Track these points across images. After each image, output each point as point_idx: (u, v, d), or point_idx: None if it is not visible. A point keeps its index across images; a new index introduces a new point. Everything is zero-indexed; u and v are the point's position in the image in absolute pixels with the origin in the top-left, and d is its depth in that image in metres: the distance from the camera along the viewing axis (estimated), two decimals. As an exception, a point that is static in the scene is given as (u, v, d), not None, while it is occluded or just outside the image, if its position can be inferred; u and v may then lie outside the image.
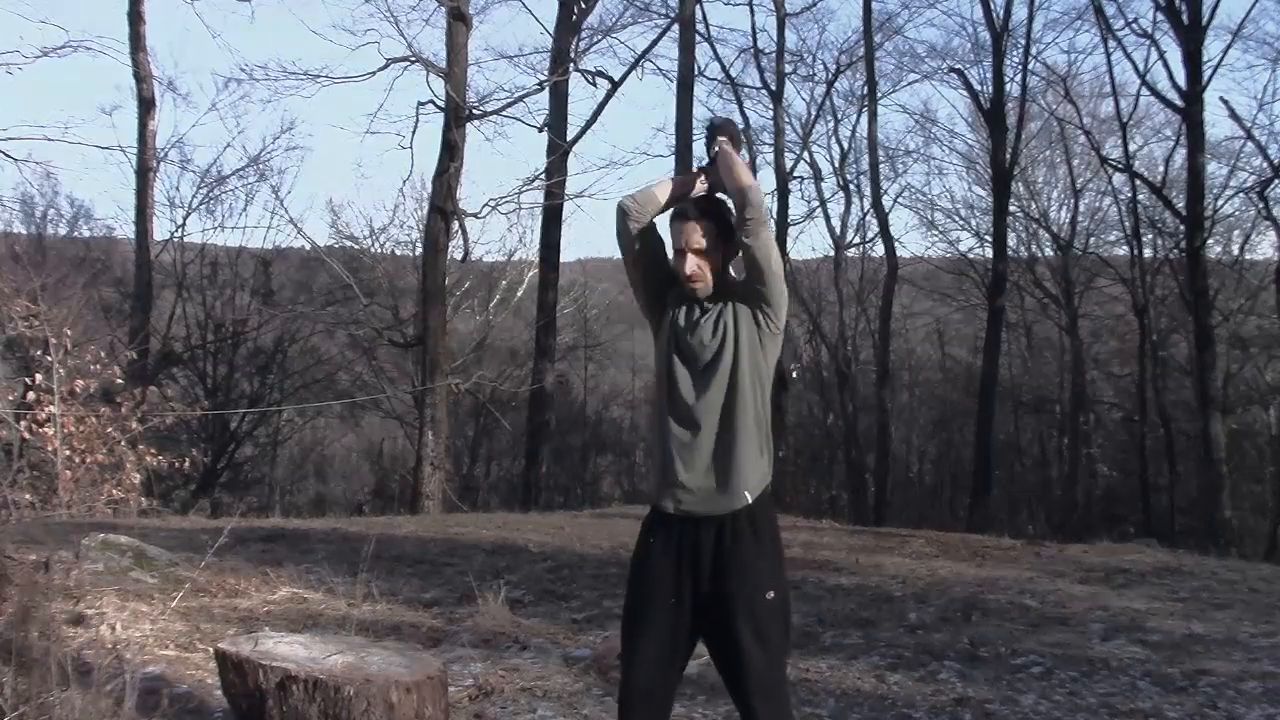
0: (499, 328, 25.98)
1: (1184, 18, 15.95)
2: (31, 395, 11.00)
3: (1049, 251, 24.82)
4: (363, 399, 22.83)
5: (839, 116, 24.54)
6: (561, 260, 19.36)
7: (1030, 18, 19.70)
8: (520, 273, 25.56)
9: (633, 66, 19.79)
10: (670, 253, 2.79)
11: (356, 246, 24.66)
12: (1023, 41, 19.64)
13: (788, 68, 22.40)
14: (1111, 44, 18.87)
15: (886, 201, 23.02)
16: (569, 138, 17.85)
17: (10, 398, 11.58)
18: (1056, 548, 9.22)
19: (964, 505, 20.98)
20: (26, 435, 10.81)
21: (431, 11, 15.72)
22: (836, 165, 24.33)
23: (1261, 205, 17.74)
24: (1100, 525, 17.81)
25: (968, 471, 21.36)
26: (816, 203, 24.49)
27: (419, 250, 19.88)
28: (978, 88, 20.57)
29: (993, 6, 19.42)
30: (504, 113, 16.00)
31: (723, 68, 22.47)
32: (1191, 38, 15.78)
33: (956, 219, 25.83)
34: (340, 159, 75.86)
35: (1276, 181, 16.82)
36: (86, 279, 17.87)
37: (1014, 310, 24.05)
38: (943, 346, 27.58)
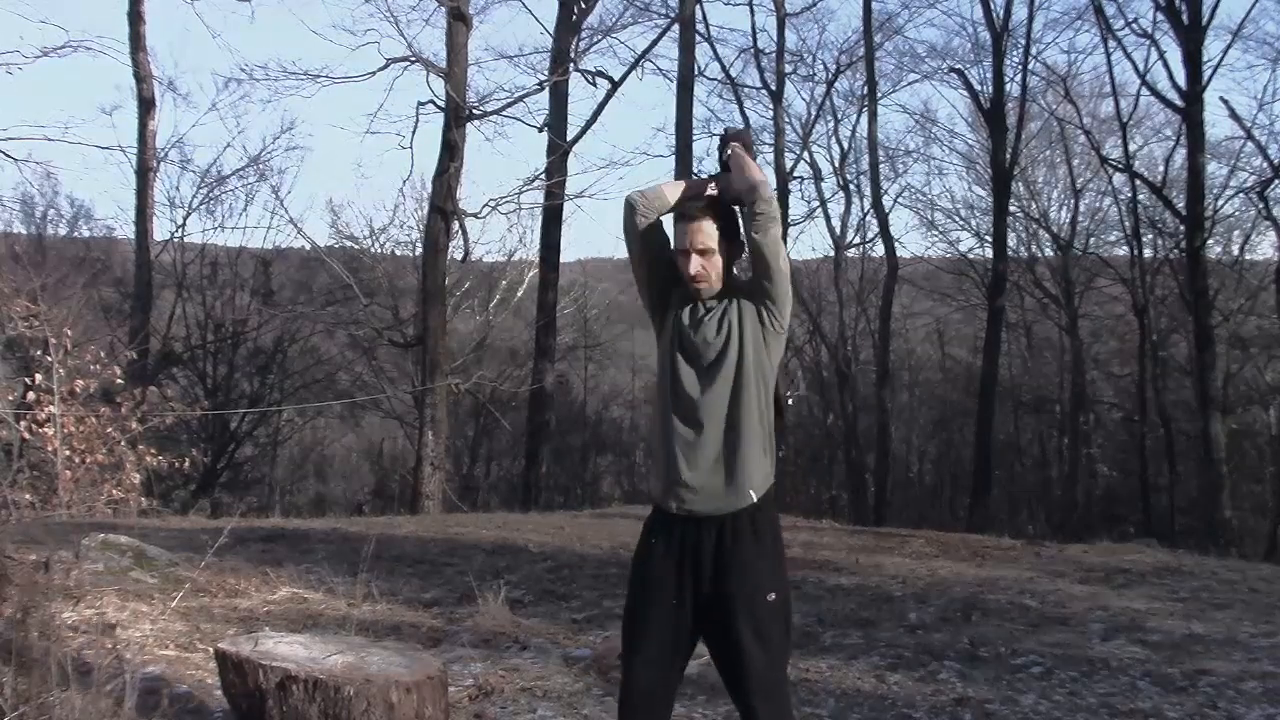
0: (499, 328, 25.99)
1: (1184, 18, 15.95)
2: (31, 395, 11.00)
3: (1049, 251, 24.84)
4: (363, 399, 22.83)
5: (839, 116, 24.57)
6: (561, 260, 19.37)
7: (1030, 18, 19.75)
8: (520, 273, 25.56)
9: (633, 66, 19.82)
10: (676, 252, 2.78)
11: (356, 246, 24.69)
12: (1023, 41, 19.68)
13: (788, 68, 22.44)
14: (1111, 44, 18.90)
15: (886, 201, 23.06)
16: (569, 138, 17.86)
17: (10, 398, 11.58)
18: (1056, 548, 9.21)
19: (964, 505, 20.98)
20: (26, 435, 10.81)
21: (431, 11, 15.76)
22: (836, 165, 24.36)
23: (1261, 205, 17.75)
24: (1100, 525, 17.81)
25: (968, 471, 21.36)
26: (816, 203, 24.53)
27: (419, 250, 19.91)
28: (978, 88, 20.60)
29: (993, 6, 19.45)
30: (504, 113, 16.03)
31: (723, 68, 22.51)
32: (1191, 38, 15.78)
33: (956, 219, 25.88)
34: (340, 159, 75.91)
35: (1276, 181, 16.81)
36: (86, 279, 17.88)
37: (1014, 310, 24.05)
38: (943, 346, 27.58)
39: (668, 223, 2.82)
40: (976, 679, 4.67)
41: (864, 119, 21.96)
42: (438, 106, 14.31)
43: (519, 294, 25.54)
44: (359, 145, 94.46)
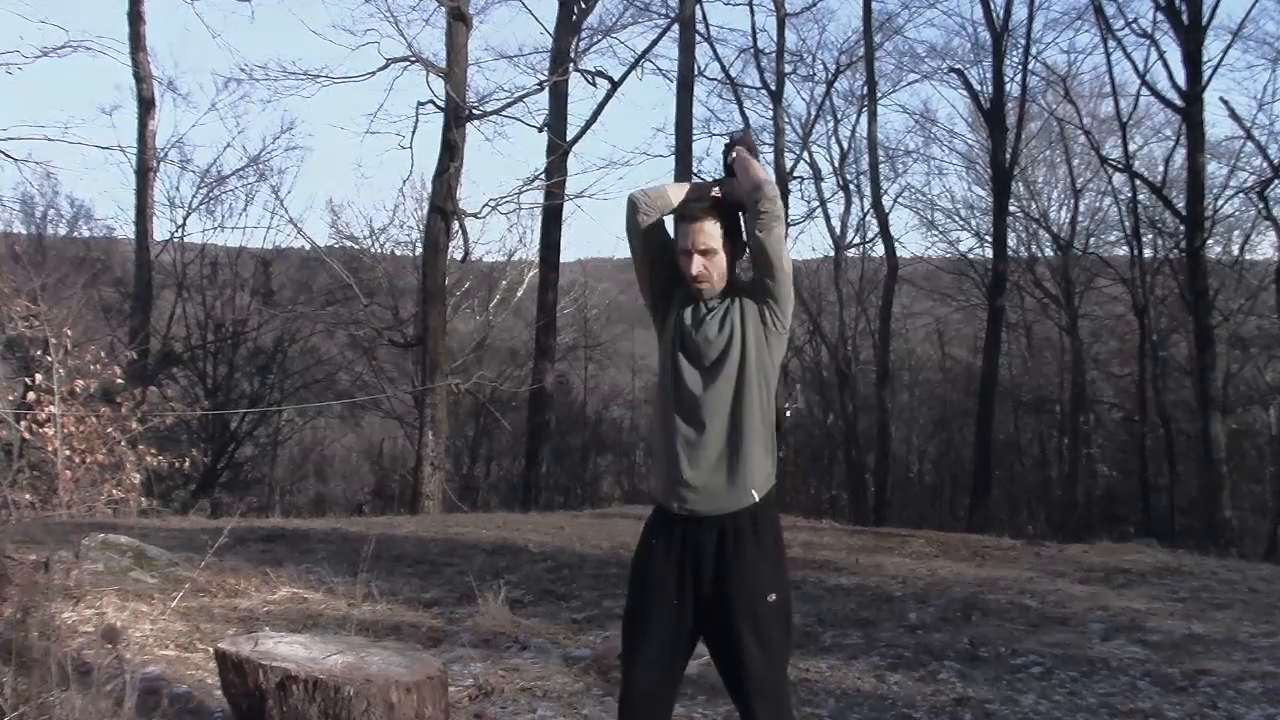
0: (499, 328, 25.99)
1: (1184, 18, 15.95)
2: (31, 395, 11.00)
3: (1049, 251, 24.84)
4: (363, 399, 22.83)
5: (839, 116, 24.56)
6: (561, 260, 19.38)
7: (1030, 18, 19.75)
8: (520, 273, 25.56)
9: (633, 66, 19.82)
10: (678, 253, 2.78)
11: (356, 246, 24.69)
12: (1023, 41, 19.68)
13: (788, 68, 22.43)
14: (1111, 44, 18.90)
15: (886, 201, 23.06)
16: (569, 138, 17.86)
17: (10, 398, 11.58)
18: (1056, 548, 9.21)
19: (964, 505, 20.98)
20: (26, 435, 10.81)
21: (431, 11, 15.75)
22: (836, 165, 24.35)
23: (1261, 205, 17.75)
24: (1100, 525, 17.81)
25: (968, 471, 21.36)
26: (816, 203, 24.51)
27: (419, 250, 19.90)
28: (978, 88, 20.60)
29: (993, 6, 19.45)
30: (504, 113, 16.03)
31: (723, 68, 22.50)
32: (1191, 38, 15.78)
33: (956, 219, 25.87)
34: (340, 159, 76.03)
35: (1276, 181, 16.82)
36: (86, 279, 17.87)
37: (1014, 310, 24.05)
38: (943, 346, 27.58)
39: (670, 223, 2.82)
40: (976, 679, 4.67)
41: (864, 119, 21.99)
42: (438, 106, 14.32)
43: (519, 294, 25.54)
44: (359, 145, 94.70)
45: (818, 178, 24.42)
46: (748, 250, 2.78)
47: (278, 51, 66.58)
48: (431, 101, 14.47)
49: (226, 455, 21.47)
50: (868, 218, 23.92)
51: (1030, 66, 19.99)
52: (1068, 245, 23.34)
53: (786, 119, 22.82)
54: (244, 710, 3.41)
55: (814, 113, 23.93)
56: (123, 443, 11.51)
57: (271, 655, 3.41)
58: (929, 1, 26.76)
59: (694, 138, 17.54)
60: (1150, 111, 20.89)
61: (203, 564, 5.51)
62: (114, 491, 11.07)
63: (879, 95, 21.55)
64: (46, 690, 3.34)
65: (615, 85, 19.13)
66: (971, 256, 25.22)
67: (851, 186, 24.45)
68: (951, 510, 23.01)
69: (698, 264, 2.71)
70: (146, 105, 18.05)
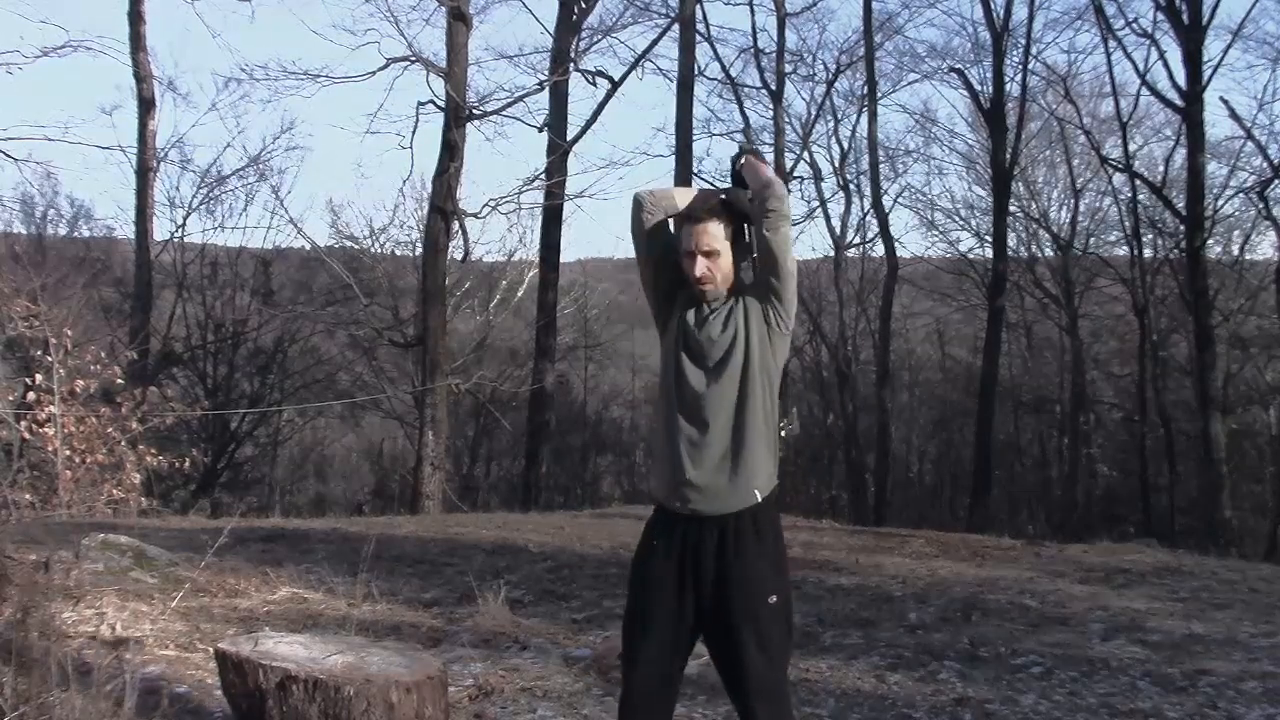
0: (499, 328, 25.99)
1: (1184, 18, 15.95)
2: (31, 395, 11.00)
3: (1049, 251, 24.84)
4: (363, 399, 22.83)
5: (839, 116, 24.57)
6: (561, 260, 19.37)
7: (1030, 18, 19.74)
8: (520, 273, 25.56)
9: (633, 66, 19.82)
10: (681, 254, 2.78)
11: (356, 246, 24.69)
12: (1023, 41, 19.68)
13: (788, 68, 22.43)
14: (1111, 44, 18.90)
15: (886, 201, 23.06)
16: (569, 138, 17.86)
17: (10, 398, 11.58)
18: (1056, 548, 9.21)
19: (964, 505, 20.98)
20: (26, 435, 10.81)
21: (431, 11, 15.77)
22: (836, 165, 24.36)
23: (1261, 205, 17.75)
24: (1100, 525, 17.81)
25: (968, 471, 21.36)
26: (816, 203, 24.48)
27: (419, 250, 19.91)
28: (978, 88, 20.59)
29: (993, 6, 19.45)
30: (504, 113, 16.02)
31: (723, 68, 22.50)
32: (1191, 38, 15.78)
33: (956, 219, 25.88)
34: (340, 159, 76.06)
35: (1276, 181, 16.81)
36: (86, 279, 17.87)
37: (1014, 310, 24.05)
38: (943, 346, 27.58)
39: (674, 224, 2.82)
40: (976, 679, 4.67)
41: (864, 119, 22.01)
42: (438, 106, 14.32)
43: (519, 294, 25.54)
44: (359, 145, 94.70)
45: (818, 178, 24.47)
46: (750, 252, 2.78)
47: (278, 51, 66.68)
48: (431, 101, 14.49)
49: (226, 455, 21.47)
50: (868, 218, 23.97)
51: (1030, 66, 20.04)
52: (1068, 245, 23.34)
53: (786, 119, 22.85)
54: (244, 710, 3.41)
55: (814, 113, 23.97)
56: (123, 443, 11.51)
57: (271, 655, 3.41)
58: (929, 1, 26.83)
59: (694, 138, 17.57)
60: (1150, 111, 20.93)
61: (203, 564, 5.52)
62: (114, 491, 11.07)
63: (879, 95, 21.58)
64: (46, 690, 3.34)
65: (615, 85, 19.14)
66: (971, 256, 25.26)
67: (851, 186, 24.49)
68: (951, 510, 23.01)
69: (701, 265, 2.71)
70: (146, 105, 18.05)
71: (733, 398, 2.68)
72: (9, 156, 17.06)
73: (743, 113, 23.16)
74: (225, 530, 5.35)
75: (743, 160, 2.80)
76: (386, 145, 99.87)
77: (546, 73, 17.41)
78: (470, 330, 25.42)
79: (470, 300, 25.67)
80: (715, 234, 2.71)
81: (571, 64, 17.75)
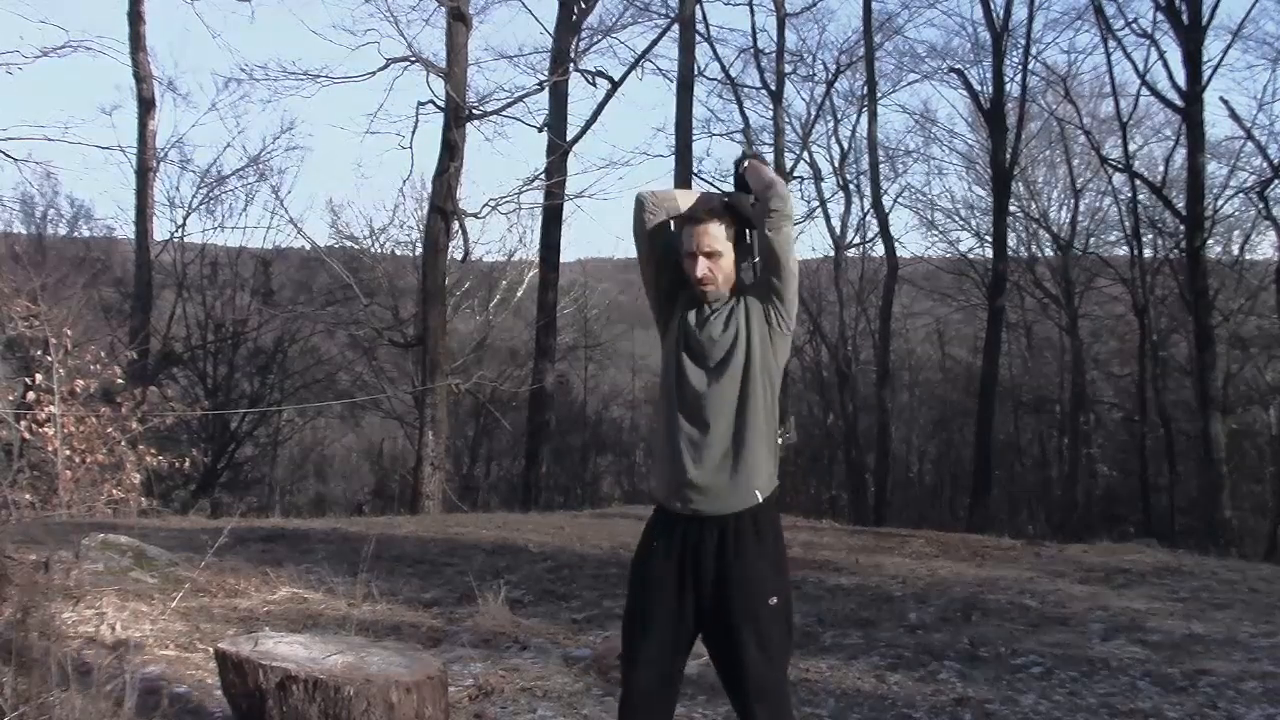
0: (499, 328, 25.98)
1: (1184, 18, 15.94)
2: (31, 395, 11.00)
3: (1049, 251, 24.84)
4: (363, 399, 22.83)
5: (839, 116, 24.59)
6: (561, 260, 19.37)
7: (1030, 18, 19.74)
8: (520, 273, 25.56)
9: (633, 66, 19.82)
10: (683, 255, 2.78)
11: (356, 246, 24.69)
12: (1023, 41, 19.68)
13: (788, 68, 22.43)
14: (1111, 44, 18.89)
15: (886, 201, 23.07)
16: (569, 138, 17.86)
17: (10, 398, 11.58)
18: (1056, 548, 9.21)
19: (964, 505, 20.98)
20: (26, 435, 10.81)
21: (431, 11, 15.76)
22: (836, 165, 24.37)
23: (1261, 205, 17.75)
24: (1100, 525, 17.81)
25: (968, 471, 21.35)
26: (816, 203, 24.50)
27: (419, 250, 19.91)
28: (978, 88, 20.59)
29: (993, 6, 19.45)
30: (504, 113, 16.03)
31: (723, 68, 22.50)
32: (1191, 38, 15.78)
33: (956, 219, 25.88)
34: (340, 159, 76.08)
35: (1276, 181, 16.81)
36: (86, 279, 17.88)
37: (1014, 310, 24.05)
38: (943, 346, 27.58)
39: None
40: (976, 679, 4.67)
41: (864, 119, 22.01)
42: (438, 106, 14.32)
43: (519, 294, 25.54)
44: (359, 145, 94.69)
45: (818, 178, 24.47)
46: (751, 256, 2.78)
47: (278, 51, 66.71)
48: (431, 101, 14.50)
49: (226, 455, 21.47)
50: (868, 218, 23.97)
51: (1030, 66, 20.03)
52: (1068, 245, 23.34)
53: (786, 119, 22.85)
54: (244, 710, 3.41)
55: (814, 113, 23.98)
56: (123, 443, 11.51)
57: (271, 655, 3.41)
58: (929, 1, 26.84)
59: (694, 138, 17.57)
60: (1150, 111, 20.94)
61: (203, 564, 5.52)
62: (114, 491, 11.07)
63: (879, 95, 21.58)
64: (46, 690, 3.34)
65: (615, 85, 19.14)
66: (971, 256, 25.26)
67: (851, 186, 24.50)
68: (951, 510, 23.01)
69: (702, 266, 2.71)
70: (146, 105, 18.05)
71: (734, 398, 2.68)
72: (9, 156, 17.08)
73: (743, 113, 23.20)
74: (225, 530, 5.35)
75: (746, 164, 2.81)
76: (386, 145, 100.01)
77: (546, 73, 17.42)
78: (470, 330, 25.41)
79: (470, 300, 25.67)
80: (716, 235, 2.71)
81: (571, 64, 17.75)
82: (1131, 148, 20.28)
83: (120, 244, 22.17)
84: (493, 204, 15.32)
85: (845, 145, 24.47)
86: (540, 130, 17.24)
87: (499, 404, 21.14)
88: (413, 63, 14.32)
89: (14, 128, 34.81)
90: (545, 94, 17.39)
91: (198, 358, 22.14)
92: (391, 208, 43.01)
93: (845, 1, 54.06)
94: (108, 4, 46.92)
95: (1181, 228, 17.20)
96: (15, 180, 43.57)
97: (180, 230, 22.43)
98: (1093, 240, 24.22)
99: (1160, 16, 16.71)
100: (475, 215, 15.03)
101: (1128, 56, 18.74)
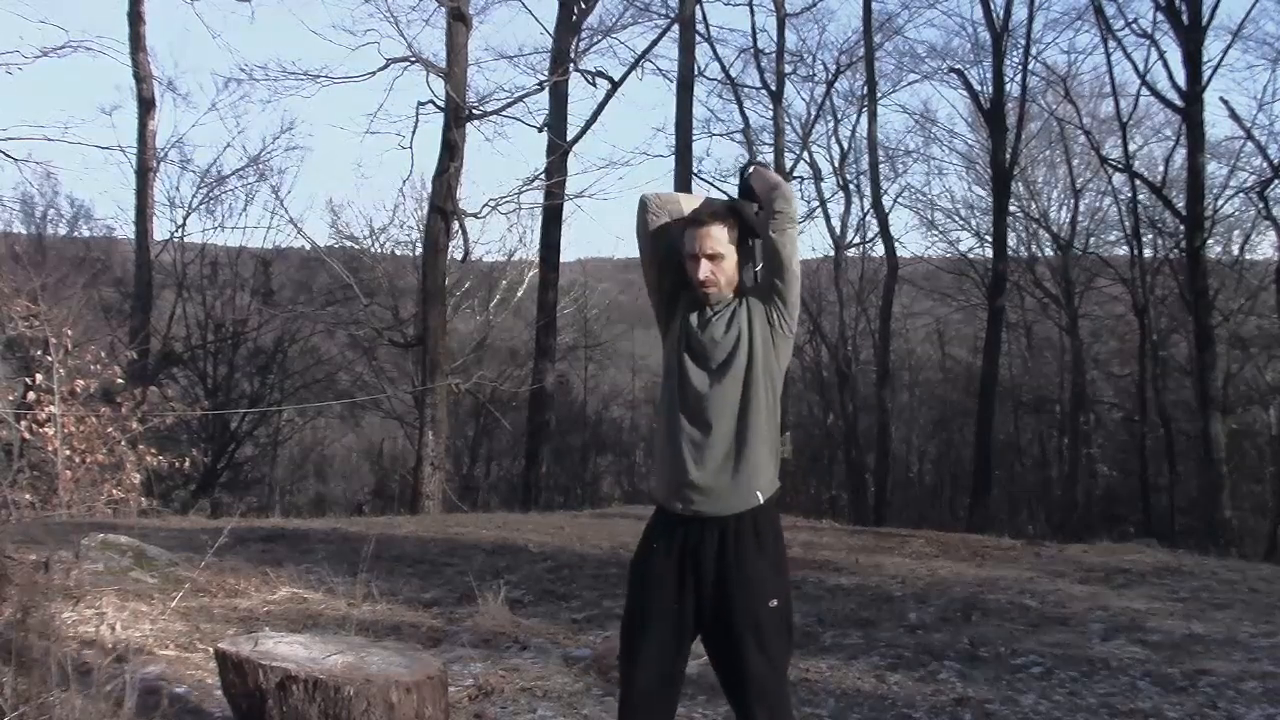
0: (499, 328, 25.99)
1: (1184, 18, 15.95)
2: (31, 395, 11.00)
3: (1049, 251, 24.85)
4: (363, 399, 22.83)
5: (839, 116, 24.59)
6: (561, 260, 19.38)
7: (1030, 18, 19.74)
8: (520, 273, 25.56)
9: (633, 66, 19.82)
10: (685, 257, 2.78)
11: (356, 246, 24.70)
12: (1023, 41, 19.68)
13: (788, 68, 22.44)
14: (1111, 44, 18.90)
15: (886, 201, 23.08)
16: (569, 138, 17.86)
17: (10, 398, 11.58)
18: (1056, 548, 9.21)
19: (964, 505, 20.98)
20: (26, 435, 10.81)
21: (431, 11, 15.77)
22: (836, 165, 24.38)
23: (1261, 205, 17.76)
24: (1100, 525, 17.81)
25: (968, 471, 21.36)
26: (816, 203, 24.51)
27: (419, 250, 19.91)
28: (978, 88, 20.60)
29: (993, 6, 19.45)
30: (504, 113, 16.05)
31: (723, 68, 22.50)
32: (1191, 38, 15.78)
33: (956, 219, 25.90)
34: (340, 159, 76.13)
35: (1276, 181, 16.82)
36: (86, 279, 17.87)
37: (1014, 310, 24.06)
38: (943, 346, 27.59)
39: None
40: (976, 679, 4.66)
41: (864, 119, 22.02)
42: (438, 106, 14.32)
43: (519, 294, 25.54)
44: (359, 145, 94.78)
45: (818, 178, 24.48)
46: (754, 262, 2.78)
47: (278, 51, 66.77)
48: (431, 101, 14.51)
49: (226, 455, 21.48)
50: (868, 218, 23.98)
51: (1030, 66, 20.04)
52: (1068, 245, 23.35)
53: (786, 119, 22.83)
54: (244, 710, 3.41)
55: (814, 113, 23.98)
56: (123, 443, 11.51)
57: (271, 655, 3.41)
58: (929, 1, 26.87)
59: (694, 138, 17.53)
60: (1150, 111, 20.94)
61: (203, 564, 5.51)
62: (114, 491, 11.07)
63: (879, 95, 21.59)
64: (46, 690, 3.34)
65: (615, 85, 19.14)
66: (971, 256, 25.28)
67: (851, 186, 24.51)
68: (951, 510, 23.01)
69: (705, 269, 2.71)
70: (146, 105, 18.05)
71: (735, 399, 2.68)
72: (9, 156, 17.09)
73: (743, 113, 23.19)
74: (225, 530, 5.34)
75: (751, 169, 2.82)
76: (386, 145, 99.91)
77: (546, 73, 17.42)
78: (470, 330, 25.42)
79: (470, 300, 25.68)
80: (719, 237, 2.71)
81: (571, 64, 17.75)
82: (1131, 148, 20.34)
83: (120, 244, 22.19)
84: (493, 204, 15.35)
85: (845, 145, 24.52)
86: (540, 130, 17.26)
87: (499, 404, 21.15)
88: (413, 63, 14.34)
89: (14, 128, 34.85)
90: (545, 94, 17.41)
91: (198, 358, 22.14)
92: (391, 208, 43.08)
93: (845, 1, 54.18)
94: (108, 4, 46.96)
95: (1181, 228, 17.20)
96: (15, 180, 43.68)
97: (180, 230, 22.49)
98: (1093, 240, 24.27)
99: (1160, 16, 16.74)
100: (475, 215, 15.05)
101: (1128, 56, 18.78)
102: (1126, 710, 4.26)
